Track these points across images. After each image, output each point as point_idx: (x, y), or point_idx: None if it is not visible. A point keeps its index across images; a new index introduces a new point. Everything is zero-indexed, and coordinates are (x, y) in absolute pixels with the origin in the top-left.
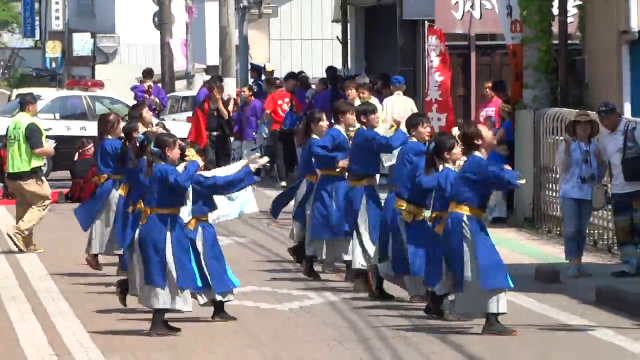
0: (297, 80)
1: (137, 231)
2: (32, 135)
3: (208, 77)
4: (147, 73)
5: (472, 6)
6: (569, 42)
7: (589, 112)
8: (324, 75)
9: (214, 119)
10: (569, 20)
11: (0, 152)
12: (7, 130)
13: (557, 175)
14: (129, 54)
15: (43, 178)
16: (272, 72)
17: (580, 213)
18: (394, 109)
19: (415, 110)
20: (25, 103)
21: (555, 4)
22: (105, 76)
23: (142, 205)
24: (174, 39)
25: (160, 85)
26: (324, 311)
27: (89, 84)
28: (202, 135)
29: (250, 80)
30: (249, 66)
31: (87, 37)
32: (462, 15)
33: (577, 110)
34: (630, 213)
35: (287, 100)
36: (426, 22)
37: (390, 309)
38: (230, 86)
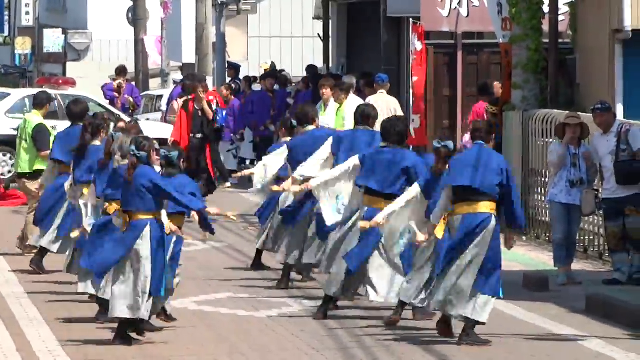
0: (276, 79)
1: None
2: (40, 137)
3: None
4: (120, 71)
5: (459, 3)
6: (560, 40)
7: (579, 114)
8: (305, 74)
9: (198, 120)
10: (560, 18)
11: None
12: (18, 127)
13: (547, 179)
14: (102, 50)
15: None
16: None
17: (570, 218)
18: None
19: (399, 110)
20: (40, 102)
21: (546, 1)
22: (77, 74)
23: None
24: (149, 36)
25: (134, 83)
26: (303, 319)
27: (60, 81)
28: (185, 137)
29: (228, 79)
30: (227, 64)
31: (59, 33)
32: (449, 12)
33: (567, 112)
34: (622, 219)
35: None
36: (411, 19)
37: (371, 317)
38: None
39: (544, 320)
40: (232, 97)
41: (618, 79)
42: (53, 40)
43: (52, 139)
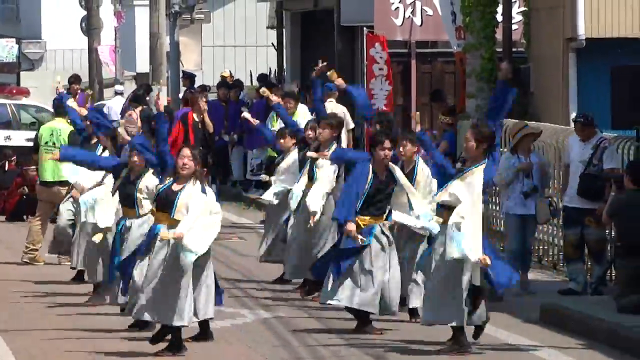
0: (230, 88)
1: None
2: (76, 144)
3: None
4: (74, 79)
5: (412, 12)
6: (514, 49)
7: (526, 122)
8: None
9: (199, 133)
10: (514, 27)
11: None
12: (39, 137)
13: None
14: (56, 60)
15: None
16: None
17: (525, 229)
18: None
19: (349, 118)
20: (60, 108)
21: (500, 10)
22: (31, 83)
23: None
24: (103, 45)
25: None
26: (257, 329)
27: (14, 91)
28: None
29: (182, 89)
30: (181, 74)
31: (12, 42)
32: (403, 21)
33: (515, 123)
34: (580, 228)
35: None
36: (365, 28)
37: (326, 330)
38: (161, 94)
39: (498, 330)
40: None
41: (572, 87)
42: (7, 50)
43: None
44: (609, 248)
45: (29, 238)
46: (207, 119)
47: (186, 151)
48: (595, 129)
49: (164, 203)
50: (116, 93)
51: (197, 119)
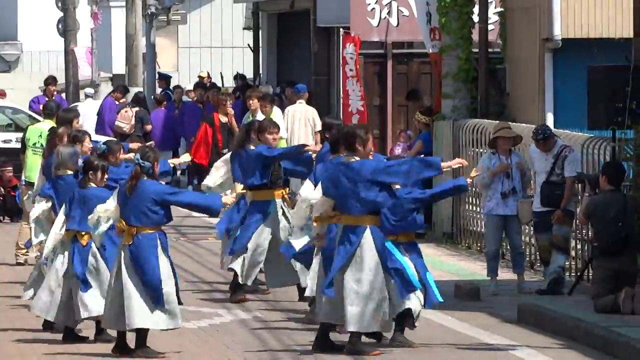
0: (206, 89)
1: (122, 253)
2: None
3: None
4: (50, 81)
5: (388, 13)
6: (490, 50)
7: (509, 124)
8: (234, 84)
9: (225, 135)
10: (490, 27)
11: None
12: (26, 139)
13: (477, 189)
14: (32, 61)
15: None
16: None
17: (508, 229)
18: (295, 118)
19: (317, 120)
20: (50, 111)
21: (476, 10)
22: (7, 85)
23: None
24: (79, 47)
25: (63, 95)
26: (235, 329)
27: None
28: (207, 155)
29: (158, 90)
30: (157, 75)
31: None
32: (379, 22)
33: (498, 122)
34: (550, 232)
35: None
36: (341, 29)
37: (304, 329)
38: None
39: (475, 330)
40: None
41: (548, 88)
42: None
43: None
44: (586, 248)
45: (22, 240)
46: (232, 121)
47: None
48: (555, 138)
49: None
50: (87, 96)
51: (222, 121)
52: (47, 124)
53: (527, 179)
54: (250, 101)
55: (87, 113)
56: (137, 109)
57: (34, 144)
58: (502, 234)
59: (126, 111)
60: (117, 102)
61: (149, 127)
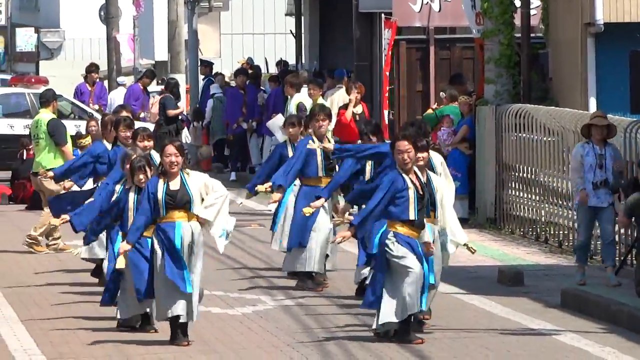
0: (248, 76)
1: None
2: (56, 131)
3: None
4: (93, 68)
5: None
6: (532, 35)
7: (603, 113)
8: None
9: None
10: (532, 12)
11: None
12: (30, 130)
13: (520, 174)
14: (75, 49)
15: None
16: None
17: (600, 220)
18: (333, 103)
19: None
20: (46, 100)
21: None
22: (50, 72)
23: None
24: (121, 34)
25: (106, 82)
26: (278, 315)
27: (33, 80)
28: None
29: (201, 77)
30: (199, 62)
31: (31, 32)
32: (421, 7)
33: (593, 112)
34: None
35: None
36: (383, 15)
37: (346, 314)
38: (180, 82)
39: (519, 315)
40: None
41: (590, 72)
42: (25, 39)
43: (67, 134)
44: (629, 232)
45: (40, 228)
46: (366, 112)
47: (170, 149)
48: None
49: (176, 203)
50: (119, 84)
51: (356, 112)
52: (46, 114)
53: (621, 177)
54: (286, 86)
55: (120, 101)
56: (161, 96)
57: (33, 136)
58: (592, 226)
59: (152, 104)
60: (143, 88)
61: (171, 112)
